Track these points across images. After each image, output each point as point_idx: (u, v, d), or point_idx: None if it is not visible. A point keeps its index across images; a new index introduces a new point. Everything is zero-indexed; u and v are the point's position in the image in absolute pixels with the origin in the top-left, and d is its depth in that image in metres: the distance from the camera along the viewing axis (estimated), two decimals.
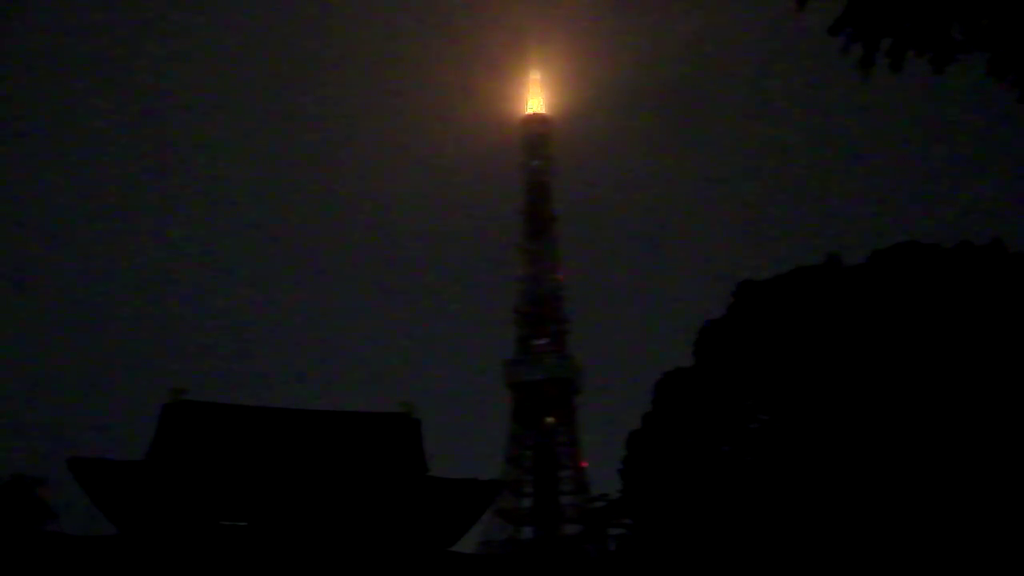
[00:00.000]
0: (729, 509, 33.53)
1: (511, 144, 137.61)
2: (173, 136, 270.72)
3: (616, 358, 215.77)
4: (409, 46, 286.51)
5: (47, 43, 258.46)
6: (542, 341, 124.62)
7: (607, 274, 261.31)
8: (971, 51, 10.09)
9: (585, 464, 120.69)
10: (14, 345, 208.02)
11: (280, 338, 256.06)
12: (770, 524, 32.18)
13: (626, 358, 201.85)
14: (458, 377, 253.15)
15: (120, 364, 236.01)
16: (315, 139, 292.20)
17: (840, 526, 30.68)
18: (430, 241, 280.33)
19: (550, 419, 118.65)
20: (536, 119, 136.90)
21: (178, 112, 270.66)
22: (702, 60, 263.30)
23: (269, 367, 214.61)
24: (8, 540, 35.53)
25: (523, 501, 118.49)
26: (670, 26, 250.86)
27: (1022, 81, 10.12)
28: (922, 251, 34.91)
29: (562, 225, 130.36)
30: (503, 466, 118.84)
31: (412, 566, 36.93)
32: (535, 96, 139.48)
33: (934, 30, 10.01)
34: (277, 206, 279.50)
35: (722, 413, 36.16)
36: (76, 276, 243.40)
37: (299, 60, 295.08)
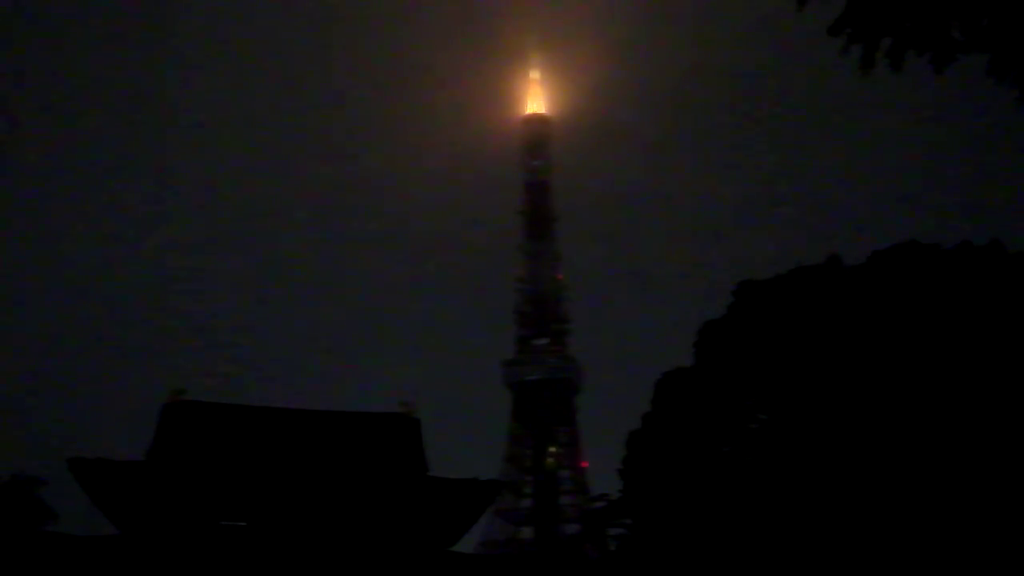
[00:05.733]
0: (729, 509, 33.52)
1: (511, 144, 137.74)
2: (175, 134, 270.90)
3: (616, 358, 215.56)
4: (410, 48, 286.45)
5: (42, 41, 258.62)
6: (542, 341, 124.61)
7: (607, 275, 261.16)
8: (971, 51, 10.09)
9: (585, 464, 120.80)
10: (14, 345, 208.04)
11: (280, 338, 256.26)
12: (770, 524, 32.18)
13: (626, 358, 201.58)
14: (458, 377, 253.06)
15: (120, 364, 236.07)
16: (314, 141, 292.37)
17: (840, 526, 30.68)
18: (429, 241, 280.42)
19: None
20: (536, 119, 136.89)
21: (181, 111, 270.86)
22: (702, 60, 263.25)
23: (269, 367, 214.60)
24: (8, 540, 35.52)
25: (523, 501, 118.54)
26: (671, 26, 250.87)
27: (1022, 81, 10.12)
28: (922, 251, 34.90)
29: (562, 225, 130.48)
30: (503, 466, 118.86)
31: (412, 566, 36.93)
32: (535, 96, 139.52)
33: (934, 30, 10.01)
34: (277, 207, 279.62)
35: (722, 413, 36.14)
36: (76, 275, 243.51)
37: (303, 62, 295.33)
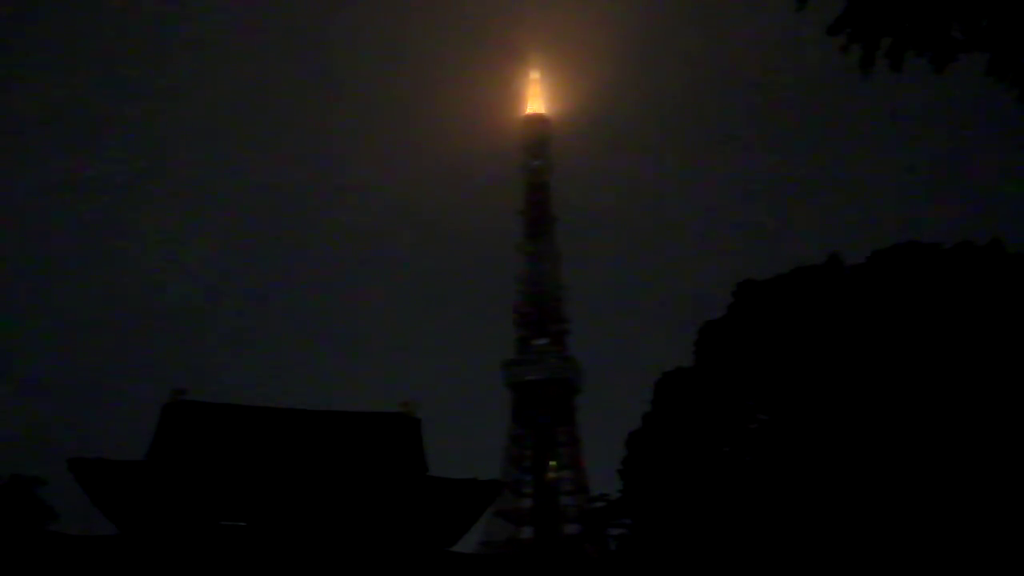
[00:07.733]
0: (729, 509, 33.53)
1: (511, 144, 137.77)
2: (173, 133, 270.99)
3: (616, 358, 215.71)
4: (410, 48, 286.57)
5: (39, 44, 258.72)
6: (542, 341, 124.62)
7: (607, 274, 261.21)
8: (971, 51, 10.09)
9: (585, 464, 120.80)
10: (14, 345, 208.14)
11: (281, 338, 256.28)
12: (770, 524, 32.18)
13: (626, 358, 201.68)
14: (458, 377, 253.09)
15: (120, 364, 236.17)
16: (313, 140, 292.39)
17: (840, 526, 30.69)
18: (429, 241, 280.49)
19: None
20: (536, 119, 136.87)
21: (179, 110, 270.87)
22: (703, 60, 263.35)
23: (269, 367, 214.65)
24: (8, 540, 35.53)
25: (523, 501, 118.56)
26: (672, 26, 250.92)
27: (1022, 81, 10.12)
28: (922, 251, 34.90)
29: (562, 225, 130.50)
30: (503, 466, 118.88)
31: (412, 566, 36.93)
32: (535, 96, 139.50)
33: (934, 30, 10.01)
34: (276, 206, 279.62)
35: (722, 413, 36.15)
36: (75, 275, 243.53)
37: (301, 61, 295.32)
